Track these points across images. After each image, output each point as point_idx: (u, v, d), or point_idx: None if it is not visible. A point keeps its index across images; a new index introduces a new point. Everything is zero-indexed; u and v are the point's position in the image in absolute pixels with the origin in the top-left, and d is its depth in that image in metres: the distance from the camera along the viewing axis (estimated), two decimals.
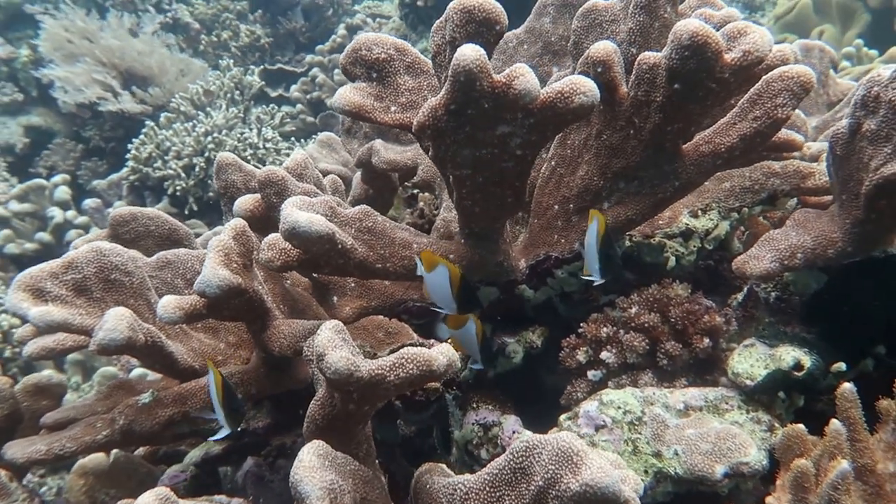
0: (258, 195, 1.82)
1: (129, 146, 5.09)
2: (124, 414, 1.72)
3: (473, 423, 1.83)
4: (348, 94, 1.63)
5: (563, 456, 1.07)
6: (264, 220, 1.80)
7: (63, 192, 4.85)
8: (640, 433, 1.47)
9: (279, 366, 1.78)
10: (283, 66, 7.12)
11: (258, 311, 1.64)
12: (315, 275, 1.87)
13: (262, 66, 6.87)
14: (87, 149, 6.10)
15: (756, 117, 1.48)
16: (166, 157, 4.92)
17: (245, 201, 1.81)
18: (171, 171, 4.83)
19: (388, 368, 1.22)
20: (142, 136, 5.09)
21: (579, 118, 1.43)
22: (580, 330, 1.75)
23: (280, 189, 1.71)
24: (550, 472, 1.08)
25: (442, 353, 1.25)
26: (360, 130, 2.73)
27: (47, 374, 2.08)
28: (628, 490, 1.08)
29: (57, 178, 5.03)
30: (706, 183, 1.82)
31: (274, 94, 6.81)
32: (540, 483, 1.09)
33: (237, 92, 5.98)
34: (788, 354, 1.48)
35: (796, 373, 1.48)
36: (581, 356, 1.71)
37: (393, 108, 1.66)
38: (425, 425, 2.22)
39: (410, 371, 1.22)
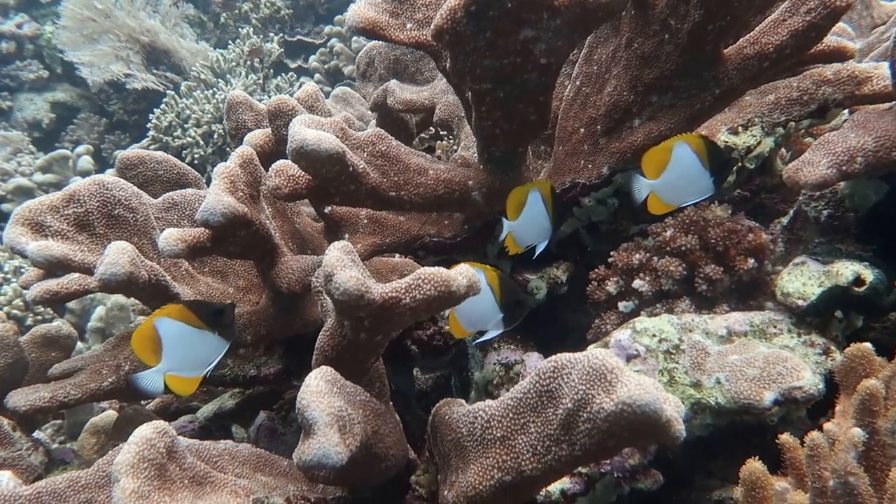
0: (269, 130, 1.69)
1: (151, 116, 5.00)
2: (129, 360, 1.62)
3: (495, 364, 1.70)
4: (362, 10, 1.49)
5: (595, 374, 0.94)
6: (275, 157, 1.67)
7: (86, 162, 4.79)
8: (677, 362, 1.32)
9: (289, 306, 1.66)
10: (302, 37, 6.97)
11: (266, 247, 1.52)
12: (326, 211, 1.73)
13: (280, 36, 6.73)
14: (110, 123, 6.05)
15: (810, 9, 1.31)
16: (186, 126, 4.83)
17: (255, 136, 1.69)
18: (189, 139, 4.73)
19: (403, 290, 1.09)
20: (162, 106, 5.00)
21: (610, 15, 1.28)
22: (610, 259, 1.60)
23: (291, 120, 1.58)
24: (581, 392, 0.94)
25: (462, 274, 1.12)
26: (375, 73, 2.59)
27: (56, 324, 1.99)
28: (670, 409, 0.94)
29: (80, 149, 4.97)
30: (748, 98, 1.66)
31: (293, 66, 6.66)
32: (569, 406, 0.96)
33: (256, 60, 5.85)
34: (847, 269, 1.32)
35: (856, 288, 1.31)
36: (611, 287, 1.56)
37: (409, 26, 1.52)
38: (442, 378, 2.11)
39: (428, 293, 1.08)
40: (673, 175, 1.33)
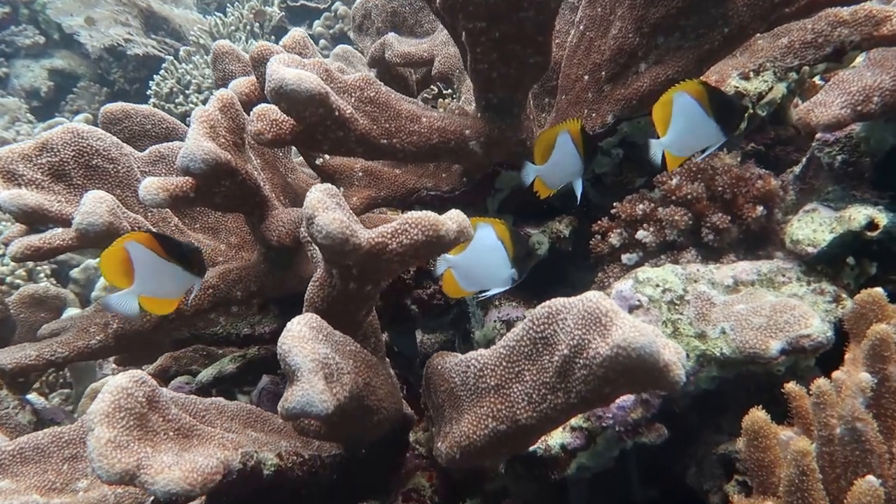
0: (254, 78, 1.66)
1: (151, 83, 4.97)
2: (117, 317, 1.59)
3: (495, 321, 1.67)
4: None
5: (590, 318, 0.92)
6: None
7: None
8: (681, 313, 1.29)
9: (282, 263, 1.63)
10: (305, 2, 6.89)
11: (254, 199, 1.49)
12: (318, 163, 1.70)
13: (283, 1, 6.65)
14: (111, 92, 6.00)
15: None
16: (187, 92, 4.79)
17: (239, 83, 1.65)
18: (192, 106, 4.70)
19: (389, 235, 1.06)
20: (162, 72, 4.97)
21: None
22: (613, 211, 1.56)
23: None
24: (577, 337, 0.92)
25: (451, 219, 1.09)
26: (373, 26, 2.54)
27: (44, 285, 1.97)
28: (669, 353, 0.91)
29: (79, 117, 4.94)
30: (760, 41, 1.61)
31: None
32: (565, 352, 0.94)
33: (257, 25, 5.79)
34: (860, 213, 1.28)
35: (869, 233, 1.28)
36: (614, 239, 1.53)
37: None
38: (448, 342, 2.09)
39: (415, 237, 1.06)
40: (679, 126, 1.29)
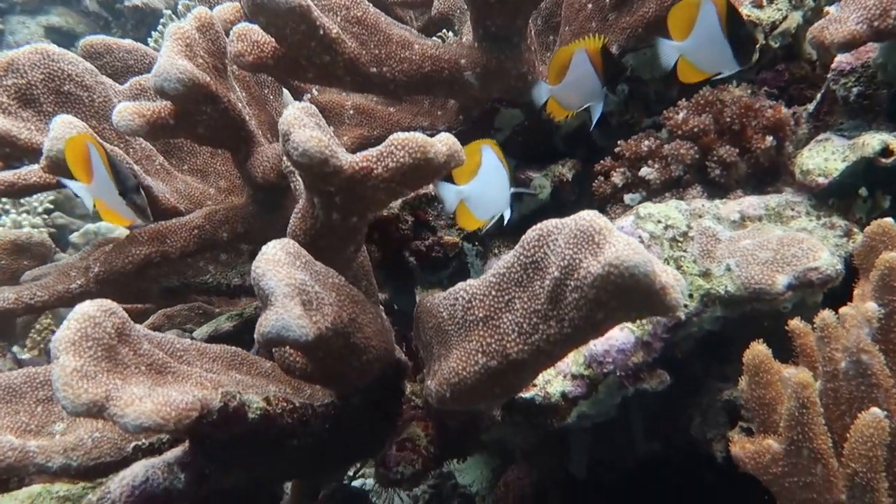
0: (237, 3, 1.60)
1: (149, 40, 4.90)
2: (99, 261, 1.56)
3: None
4: None
5: (582, 236, 0.87)
6: None
7: None
8: (684, 250, 1.25)
9: (270, 204, 1.60)
10: None
11: (239, 133, 1.46)
12: (306, 99, 1.66)
13: None
14: None
15: None
16: None
17: (224, 9, 1.59)
18: None
19: (374, 158, 1.02)
20: (160, 27, 4.89)
21: None
22: (616, 149, 1.51)
23: None
24: (567, 258, 0.88)
25: (440, 141, 1.05)
26: None
27: (27, 230, 1.94)
28: (666, 276, 0.87)
29: None
30: None
31: None
32: (556, 274, 0.90)
33: None
34: (874, 139, 1.23)
35: (884, 159, 1.23)
36: (617, 178, 1.49)
37: None
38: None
39: (402, 160, 1.02)
40: (700, 36, 1.23)
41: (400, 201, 1.86)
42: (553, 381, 1.26)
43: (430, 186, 1.94)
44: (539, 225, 0.93)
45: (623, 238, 0.84)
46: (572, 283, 0.88)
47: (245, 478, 1.23)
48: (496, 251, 1.73)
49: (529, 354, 0.96)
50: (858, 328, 0.89)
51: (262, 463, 1.23)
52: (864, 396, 0.90)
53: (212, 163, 1.74)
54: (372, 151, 1.03)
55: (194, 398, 0.98)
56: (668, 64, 1.28)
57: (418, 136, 1.02)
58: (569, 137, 1.70)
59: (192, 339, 2.07)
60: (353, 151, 1.60)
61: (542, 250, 0.93)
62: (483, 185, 1.26)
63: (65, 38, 5.91)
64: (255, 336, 0.91)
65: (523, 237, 0.95)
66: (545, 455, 1.60)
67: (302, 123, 1.00)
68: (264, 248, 0.96)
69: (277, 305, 0.89)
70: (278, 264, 0.94)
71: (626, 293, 0.84)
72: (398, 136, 1.01)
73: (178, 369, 1.07)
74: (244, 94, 1.60)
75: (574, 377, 1.25)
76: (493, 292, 0.98)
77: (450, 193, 1.27)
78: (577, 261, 0.87)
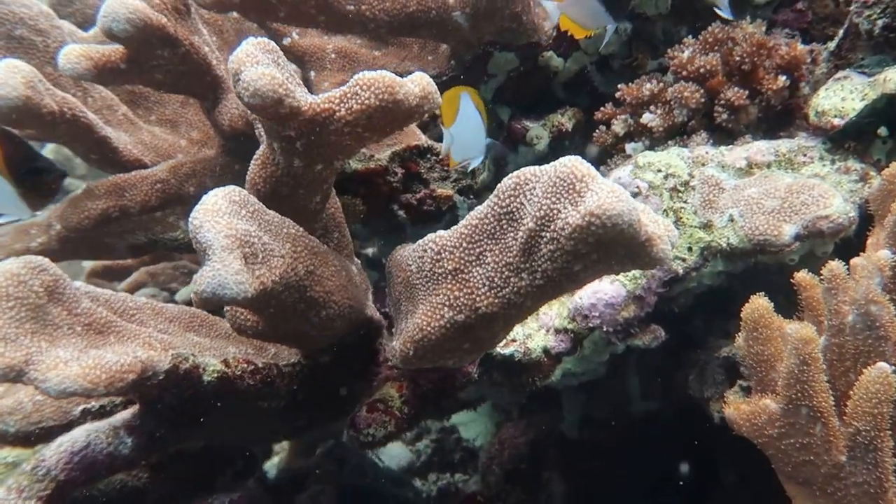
0: None
1: None
2: (61, 218, 1.50)
3: None
4: None
5: (562, 184, 0.81)
6: None
7: None
8: (685, 201, 1.18)
9: (242, 154, 1.52)
10: None
11: (205, 79, 1.38)
12: (286, 43, 1.58)
13: None
14: None
15: None
16: None
17: None
18: None
19: (337, 100, 0.95)
20: None
21: None
22: (617, 94, 1.43)
23: None
24: (545, 207, 0.81)
25: (412, 81, 0.97)
26: None
27: None
28: (654, 226, 0.81)
29: None
30: None
31: None
32: (530, 225, 0.84)
33: None
34: None
35: None
36: (618, 126, 1.41)
37: None
38: None
39: (367, 101, 0.95)
40: None
41: (389, 152, 1.80)
42: (534, 336, 1.21)
43: (422, 137, 1.88)
44: (516, 172, 0.87)
45: (606, 185, 0.77)
46: (548, 234, 0.82)
47: (203, 440, 1.19)
48: None
49: (500, 307, 0.91)
50: (868, 278, 0.82)
51: (223, 425, 1.19)
52: (870, 351, 0.84)
53: (182, 112, 1.67)
54: (335, 92, 0.96)
55: (134, 360, 0.93)
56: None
57: (386, 76, 0.94)
58: (569, 84, 1.62)
59: (174, 300, 2.04)
60: None
61: (517, 200, 0.87)
62: (459, 129, 1.28)
63: None
64: (192, 296, 0.85)
65: (498, 186, 0.89)
66: (539, 412, 1.56)
67: (255, 60, 0.93)
68: (205, 196, 0.89)
69: (214, 260, 0.83)
70: (218, 214, 0.87)
71: (608, 245, 0.79)
72: (364, 76, 0.94)
73: (124, 329, 1.02)
74: (215, 38, 1.52)
75: (557, 331, 1.20)
76: (464, 244, 0.93)
77: (445, 134, 1.32)
78: (555, 211, 0.81)
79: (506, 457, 1.66)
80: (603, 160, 1.50)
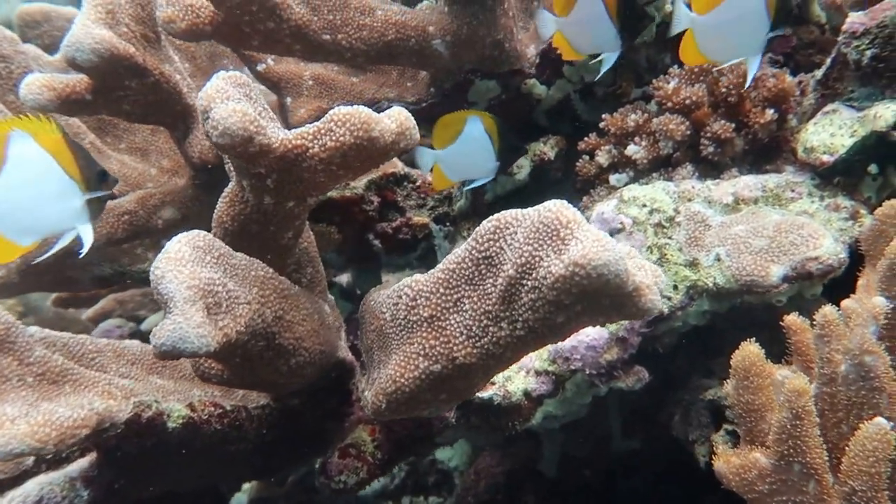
0: None
1: None
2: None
3: None
4: None
5: (545, 231, 0.78)
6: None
7: None
8: (670, 237, 1.14)
9: (213, 185, 1.48)
10: None
11: (175, 108, 1.34)
12: (260, 69, 1.54)
13: None
14: None
15: None
16: None
17: None
18: None
19: (311, 136, 0.91)
20: None
21: None
22: (602, 124, 1.39)
23: None
24: (526, 254, 0.77)
25: (389, 116, 0.93)
26: None
27: None
28: (642, 275, 0.77)
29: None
30: None
31: None
32: (511, 272, 0.79)
33: None
34: (887, 110, 1.11)
35: None
36: (602, 157, 1.37)
37: None
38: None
39: (342, 139, 0.91)
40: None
41: (365, 180, 1.76)
42: (514, 378, 1.17)
43: (399, 165, 1.84)
44: (497, 215, 0.83)
45: (592, 233, 0.74)
46: (529, 282, 0.79)
47: (167, 487, 1.14)
48: (465, 234, 1.63)
49: (478, 358, 0.87)
50: (863, 326, 0.78)
51: (188, 471, 1.15)
52: (864, 403, 0.80)
53: (153, 140, 1.62)
54: (308, 128, 0.92)
55: (88, 413, 0.88)
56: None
57: (362, 112, 0.90)
58: (552, 111, 1.58)
59: (139, 328, 1.98)
60: None
61: (497, 244, 0.83)
62: (458, 153, 1.34)
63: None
64: (152, 348, 0.80)
65: (477, 229, 0.85)
66: (518, 444, 1.52)
67: (225, 96, 0.88)
68: (168, 243, 0.84)
69: (176, 313, 0.78)
70: (181, 263, 0.82)
71: (593, 295, 0.76)
72: (338, 111, 0.90)
73: (81, 377, 0.97)
74: (188, 64, 1.48)
75: (538, 373, 1.16)
76: (442, 289, 0.89)
77: (424, 155, 1.38)
78: (538, 258, 0.77)
79: (482, 487, 1.61)
80: (586, 190, 1.45)
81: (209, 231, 1.49)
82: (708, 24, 1.13)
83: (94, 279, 1.56)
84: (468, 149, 1.34)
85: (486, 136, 1.34)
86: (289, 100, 1.54)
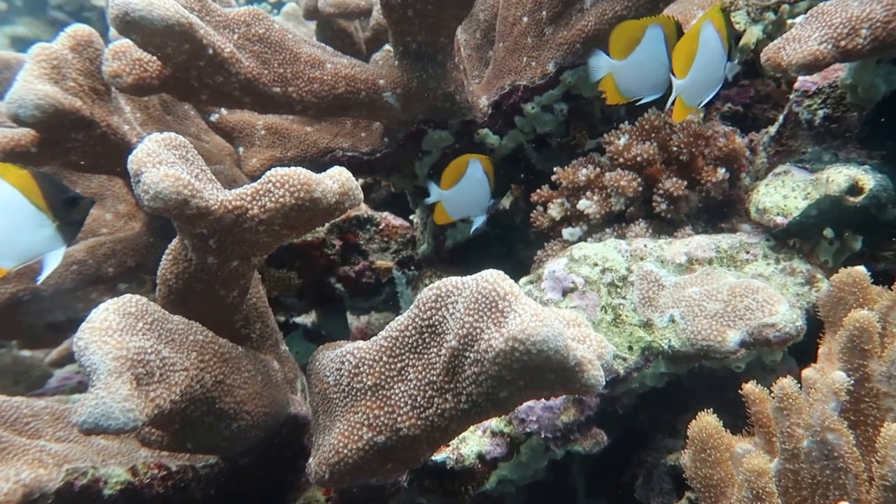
0: None
1: None
2: None
3: None
4: None
5: (484, 302, 0.74)
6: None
7: None
8: (623, 297, 1.10)
9: (167, 233, 1.42)
10: None
11: (124, 156, 1.26)
12: (213, 119, 1.49)
13: None
14: None
15: None
16: None
17: None
18: None
19: (249, 197, 0.87)
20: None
21: None
22: (553, 177, 1.36)
23: None
24: (467, 325, 0.73)
25: (330, 177, 0.89)
26: None
27: None
28: (584, 350, 0.73)
29: None
30: None
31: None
32: (453, 344, 0.75)
33: None
34: (840, 175, 1.07)
35: (851, 198, 1.07)
36: (554, 210, 1.34)
37: None
38: (389, 318, 1.91)
39: (282, 200, 0.87)
40: (700, 66, 1.08)
41: (327, 224, 1.71)
42: (469, 439, 1.11)
43: (363, 207, 1.80)
44: (437, 283, 0.79)
45: (530, 306, 0.70)
46: (471, 355, 0.74)
47: None
48: (427, 281, 1.59)
49: (423, 430, 0.82)
50: (823, 402, 0.74)
51: None
52: (829, 482, 0.76)
53: (109, 185, 1.57)
54: (247, 189, 0.88)
55: (13, 485, 0.83)
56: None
57: (301, 173, 0.86)
58: (505, 160, 1.55)
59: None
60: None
61: (439, 313, 0.79)
62: (460, 193, 1.38)
63: (30, 46, 5.74)
64: (74, 426, 0.75)
65: (419, 296, 0.81)
66: None
67: (157, 160, 0.84)
68: (93, 312, 0.79)
69: (99, 386, 0.72)
70: (107, 332, 0.77)
71: (535, 371, 0.72)
72: (277, 172, 0.86)
73: (10, 445, 0.91)
74: (139, 114, 1.43)
75: (493, 434, 1.11)
76: (385, 358, 0.84)
77: (432, 193, 1.43)
78: (478, 330, 0.73)
79: None
80: (540, 243, 1.42)
81: None
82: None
83: (48, 326, 1.49)
84: (470, 189, 1.38)
85: (485, 177, 1.38)
86: (241, 149, 1.50)
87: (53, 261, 1.08)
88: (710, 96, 1.11)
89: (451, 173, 1.39)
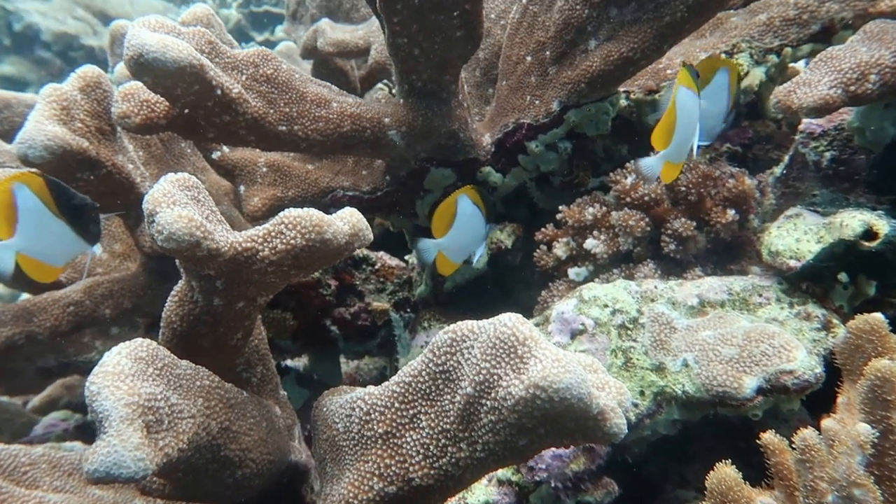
0: None
1: None
2: None
3: (422, 346, 1.45)
4: None
5: (502, 347, 0.72)
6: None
7: None
8: (634, 340, 1.08)
9: (163, 274, 1.40)
10: (269, 7, 6.69)
11: (129, 197, 1.27)
12: (215, 157, 1.47)
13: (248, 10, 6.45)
14: None
15: None
16: None
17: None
18: None
19: (260, 239, 0.86)
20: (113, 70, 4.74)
21: None
22: (559, 216, 1.35)
23: None
24: (484, 372, 0.71)
25: (341, 218, 0.88)
26: (307, 13, 2.33)
27: None
28: (606, 397, 0.71)
29: None
30: (734, 18, 1.42)
31: (260, 39, 6.39)
32: (469, 391, 0.73)
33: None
34: (854, 219, 1.06)
35: (866, 243, 1.06)
36: (560, 250, 1.32)
37: None
38: (385, 366, 1.88)
39: (293, 242, 0.86)
40: (682, 126, 1.07)
41: None
42: (475, 489, 1.09)
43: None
44: (452, 327, 0.77)
45: (551, 351, 0.68)
46: (488, 402, 0.72)
47: None
48: (425, 324, 1.56)
49: (436, 480, 0.80)
50: (849, 456, 0.72)
51: None
52: None
53: (105, 224, 1.54)
54: (258, 230, 0.86)
55: None
56: (651, 181, 1.19)
57: (313, 214, 0.86)
58: (508, 199, 1.53)
59: (86, 419, 1.85)
60: (267, 214, 1.45)
61: (454, 358, 0.77)
62: (462, 231, 1.30)
63: (17, 86, 5.75)
64: (84, 474, 0.72)
65: (433, 341, 0.78)
66: None
67: (172, 200, 0.83)
68: (106, 356, 0.76)
69: (111, 434, 0.70)
70: (119, 377, 0.75)
71: (556, 420, 0.70)
72: (289, 214, 0.86)
73: (10, 495, 0.87)
74: (141, 152, 1.41)
75: (501, 482, 1.08)
76: (397, 404, 0.82)
77: (424, 249, 1.33)
78: (496, 377, 0.71)
79: None
80: (545, 282, 1.40)
81: (160, 317, 1.42)
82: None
83: (38, 371, 1.46)
84: (466, 226, 1.32)
85: (476, 209, 1.32)
86: (242, 188, 1.48)
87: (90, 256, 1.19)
88: (697, 146, 1.09)
89: (443, 218, 1.33)
